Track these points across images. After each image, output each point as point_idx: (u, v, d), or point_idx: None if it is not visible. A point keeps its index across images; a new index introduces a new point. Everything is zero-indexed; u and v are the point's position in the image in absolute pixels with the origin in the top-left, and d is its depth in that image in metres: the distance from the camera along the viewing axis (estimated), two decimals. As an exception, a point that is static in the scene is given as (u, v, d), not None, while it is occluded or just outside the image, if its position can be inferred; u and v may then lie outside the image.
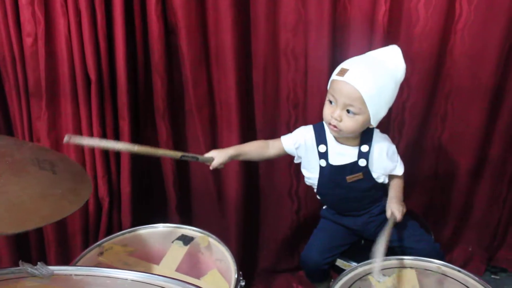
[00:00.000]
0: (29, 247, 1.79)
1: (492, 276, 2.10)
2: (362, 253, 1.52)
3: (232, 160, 1.49)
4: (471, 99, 1.78)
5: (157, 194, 1.93)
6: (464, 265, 2.05)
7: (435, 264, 1.35)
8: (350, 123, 1.36)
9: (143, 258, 1.44)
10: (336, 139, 1.46)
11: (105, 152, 1.69)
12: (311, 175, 1.53)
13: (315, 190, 1.56)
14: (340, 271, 1.48)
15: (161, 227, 1.53)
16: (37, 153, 1.19)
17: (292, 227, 2.01)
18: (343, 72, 1.34)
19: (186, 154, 1.38)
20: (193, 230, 1.50)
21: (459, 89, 1.77)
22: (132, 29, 1.62)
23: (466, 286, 1.28)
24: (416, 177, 1.92)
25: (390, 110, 1.43)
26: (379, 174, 1.48)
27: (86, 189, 1.14)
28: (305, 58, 1.71)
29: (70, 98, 1.60)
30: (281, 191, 1.95)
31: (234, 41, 1.64)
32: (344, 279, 1.29)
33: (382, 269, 1.34)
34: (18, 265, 1.00)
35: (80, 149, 1.67)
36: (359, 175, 1.46)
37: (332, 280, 1.50)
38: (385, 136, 1.50)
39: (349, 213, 1.56)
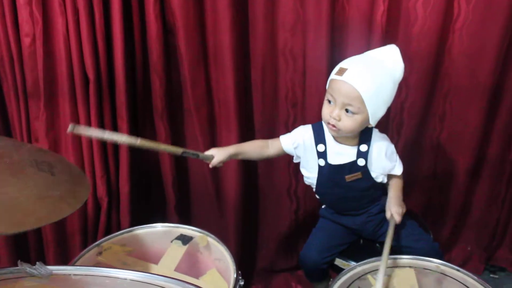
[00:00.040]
0: (27, 247, 1.78)
1: (491, 275, 2.11)
2: (361, 252, 1.53)
3: (231, 159, 1.49)
4: (469, 99, 1.78)
5: (156, 194, 1.93)
6: (463, 264, 2.05)
7: (434, 263, 1.35)
8: (348, 123, 1.36)
9: (142, 258, 1.44)
10: (335, 138, 1.46)
11: (104, 152, 1.69)
12: (310, 175, 1.53)
13: (314, 190, 1.57)
14: (339, 270, 1.48)
15: (160, 227, 1.53)
16: (35, 154, 1.19)
17: (291, 227, 2.01)
18: (341, 72, 1.34)
19: (187, 150, 1.38)
20: (192, 230, 1.50)
21: (458, 89, 1.78)
22: (130, 29, 1.62)
23: (465, 285, 1.28)
24: (415, 176, 1.92)
25: (389, 110, 1.43)
26: (377, 173, 1.48)
27: (84, 191, 1.14)
28: (303, 58, 1.71)
29: (68, 98, 1.60)
30: (280, 191, 1.95)
31: (232, 41, 1.64)
32: (343, 279, 1.30)
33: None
34: (17, 265, 1.00)
35: (79, 149, 1.67)
36: (358, 175, 1.46)
37: (331, 279, 1.50)
38: (384, 135, 1.50)
39: (347, 213, 1.56)
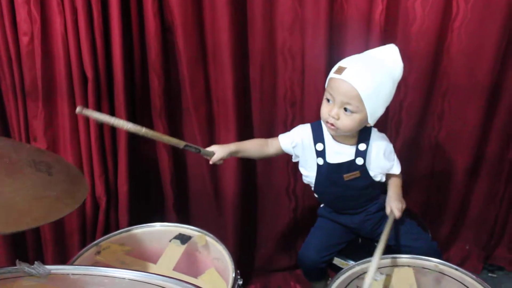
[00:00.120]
0: (26, 247, 1.78)
1: (489, 274, 2.11)
2: (359, 251, 1.53)
3: (231, 157, 1.49)
4: (468, 98, 1.78)
5: (155, 193, 1.92)
6: (461, 263, 2.06)
7: (433, 262, 1.35)
8: (347, 122, 1.36)
9: (140, 257, 1.44)
10: (334, 137, 1.46)
11: (103, 151, 1.69)
12: (308, 174, 1.53)
13: (312, 189, 1.57)
14: (337, 269, 1.48)
15: (158, 226, 1.53)
16: (34, 154, 1.19)
17: (290, 226, 2.01)
18: (340, 70, 1.34)
19: (189, 144, 1.38)
20: (191, 229, 1.50)
21: (456, 88, 1.78)
22: (129, 27, 1.62)
23: (463, 284, 1.28)
24: (413, 175, 1.93)
25: (388, 109, 1.43)
26: (376, 172, 1.48)
27: (82, 192, 1.13)
28: (302, 57, 1.71)
29: (66, 97, 1.59)
30: (279, 190, 1.95)
31: (231, 39, 1.64)
32: (341, 278, 1.30)
33: (380, 268, 1.34)
34: (15, 265, 1.00)
35: (77, 148, 1.66)
36: (356, 174, 1.46)
37: (330, 278, 1.50)
38: (383, 135, 1.50)
39: (346, 211, 1.56)
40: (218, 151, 1.44)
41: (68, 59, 1.55)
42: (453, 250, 2.12)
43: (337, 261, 1.55)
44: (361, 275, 1.32)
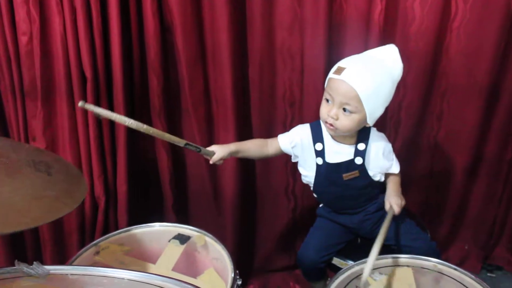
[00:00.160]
0: (24, 247, 1.78)
1: (488, 274, 2.11)
2: (358, 251, 1.53)
3: (231, 157, 1.49)
4: (466, 98, 1.78)
5: (154, 193, 1.92)
6: (460, 263, 2.06)
7: (432, 262, 1.35)
8: (346, 122, 1.36)
9: (139, 257, 1.44)
10: (333, 137, 1.46)
11: (102, 151, 1.69)
12: (308, 173, 1.53)
13: (311, 188, 1.57)
14: (336, 269, 1.48)
15: (157, 226, 1.53)
16: (33, 154, 1.19)
17: (289, 226, 2.01)
18: (340, 71, 1.34)
19: (190, 143, 1.38)
20: (190, 229, 1.50)
21: (455, 88, 1.78)
22: (128, 27, 1.62)
23: (462, 284, 1.28)
24: (412, 175, 1.93)
25: (387, 109, 1.43)
26: (375, 172, 1.48)
27: (81, 192, 1.13)
28: (301, 57, 1.71)
29: (65, 97, 1.59)
30: (278, 190, 1.95)
31: (230, 39, 1.63)
32: (340, 278, 1.30)
33: (379, 268, 1.34)
34: (13, 265, 0.99)
35: (76, 147, 1.66)
36: (355, 173, 1.46)
37: (329, 278, 1.50)
38: (382, 135, 1.50)
39: (345, 211, 1.56)
40: (218, 151, 1.44)
41: (67, 58, 1.55)
42: (452, 250, 2.12)
43: (336, 261, 1.55)
44: (360, 275, 1.31)
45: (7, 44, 1.53)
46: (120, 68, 1.59)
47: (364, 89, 1.32)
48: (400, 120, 1.83)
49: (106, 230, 1.75)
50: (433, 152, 1.92)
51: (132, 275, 1.04)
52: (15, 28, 1.51)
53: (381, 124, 1.70)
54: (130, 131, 1.70)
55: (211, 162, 1.45)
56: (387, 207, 1.46)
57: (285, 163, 1.88)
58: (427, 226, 1.65)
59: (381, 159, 1.47)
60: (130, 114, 1.70)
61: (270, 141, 1.54)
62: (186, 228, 1.50)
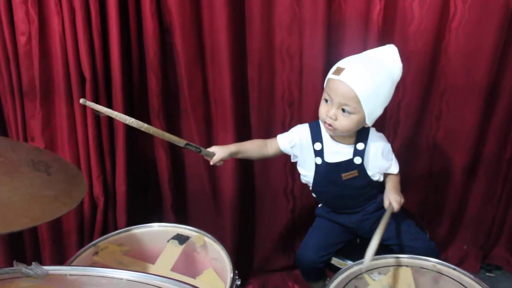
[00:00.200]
0: (23, 247, 1.78)
1: (487, 274, 2.11)
2: (357, 251, 1.52)
3: (230, 158, 1.49)
4: (465, 98, 1.79)
5: (153, 193, 1.92)
6: (459, 263, 2.06)
7: (431, 262, 1.35)
8: (345, 122, 1.36)
9: (138, 258, 1.44)
10: (332, 137, 1.46)
11: (100, 151, 1.69)
12: (306, 173, 1.53)
13: (310, 188, 1.57)
14: (335, 269, 1.48)
15: (156, 227, 1.53)
16: (33, 154, 1.19)
17: (288, 226, 2.01)
18: (339, 71, 1.34)
19: (190, 143, 1.37)
20: (189, 229, 1.50)
21: (454, 88, 1.78)
22: (127, 27, 1.61)
23: (461, 284, 1.28)
24: (411, 175, 1.93)
25: (385, 109, 1.43)
26: (374, 172, 1.48)
27: (80, 191, 1.13)
28: (300, 57, 1.71)
29: (64, 97, 1.59)
30: (277, 190, 1.95)
31: (229, 40, 1.63)
32: (339, 278, 1.30)
33: (378, 268, 1.34)
34: (12, 265, 0.99)
35: (75, 148, 1.66)
36: (354, 173, 1.46)
37: (328, 278, 1.50)
38: (381, 135, 1.50)
39: (344, 211, 1.56)
40: (218, 152, 1.44)
41: (66, 59, 1.55)
42: (451, 250, 2.13)
43: (335, 261, 1.55)
44: (359, 275, 1.32)
45: (6, 44, 1.53)
46: (119, 68, 1.59)
47: (363, 90, 1.31)
48: (399, 120, 1.83)
49: (105, 230, 1.75)
50: (432, 152, 1.92)
51: (131, 275, 1.04)
52: (14, 28, 1.51)
53: (380, 124, 1.71)
54: (129, 131, 1.70)
55: (211, 163, 1.45)
56: (386, 204, 1.43)
57: (284, 164, 1.88)
58: (426, 226, 1.65)
59: (380, 159, 1.47)
60: (129, 114, 1.67)
61: (269, 141, 1.54)
62: (185, 228, 1.50)
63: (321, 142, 1.47)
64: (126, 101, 1.67)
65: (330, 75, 1.38)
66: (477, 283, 1.25)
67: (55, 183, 1.09)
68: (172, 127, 1.81)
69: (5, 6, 1.48)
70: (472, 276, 1.28)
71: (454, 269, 1.31)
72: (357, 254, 1.42)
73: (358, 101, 1.32)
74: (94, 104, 1.26)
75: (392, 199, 1.42)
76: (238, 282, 1.28)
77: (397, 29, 1.69)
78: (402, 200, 1.45)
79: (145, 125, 1.27)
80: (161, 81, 1.69)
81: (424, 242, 1.52)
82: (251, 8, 1.66)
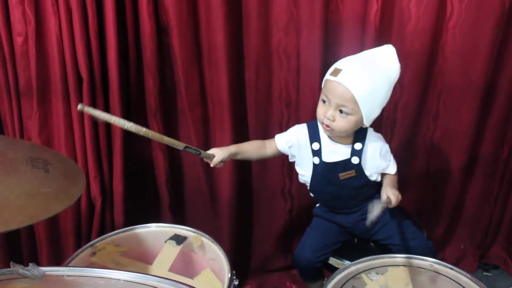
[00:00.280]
0: (20, 248, 1.77)
1: (484, 273, 2.12)
2: (355, 251, 1.53)
3: (231, 158, 1.49)
4: (462, 97, 1.79)
5: (150, 193, 1.92)
6: (456, 262, 2.06)
7: (428, 262, 1.35)
8: (342, 123, 1.36)
9: (136, 258, 1.44)
10: (330, 137, 1.46)
11: (98, 152, 1.68)
12: (304, 173, 1.53)
13: (308, 188, 1.57)
14: (333, 269, 1.48)
15: (154, 227, 1.53)
16: (31, 151, 1.18)
17: (285, 226, 2.01)
18: (336, 72, 1.34)
19: (189, 146, 1.37)
20: (186, 230, 1.50)
21: (451, 87, 1.78)
22: (124, 28, 1.61)
23: (459, 284, 1.29)
24: (409, 175, 1.93)
25: (383, 110, 1.43)
26: (371, 172, 1.48)
27: (78, 188, 1.13)
28: (297, 57, 1.71)
29: (61, 97, 1.59)
30: (274, 190, 1.95)
31: (226, 40, 1.63)
32: (337, 278, 1.30)
33: (375, 267, 1.34)
34: (9, 266, 0.99)
35: (72, 148, 1.66)
36: (351, 173, 1.46)
37: (325, 278, 1.50)
38: (379, 135, 1.50)
39: (341, 211, 1.56)
40: (218, 154, 1.43)
41: (62, 59, 1.54)
42: (449, 249, 2.13)
43: (332, 261, 1.55)
44: (356, 275, 1.32)
45: (3, 45, 1.52)
46: (116, 68, 1.59)
47: (361, 92, 1.31)
48: (396, 120, 1.84)
49: (102, 231, 1.74)
50: (429, 152, 1.92)
51: (128, 276, 1.03)
52: (11, 29, 1.51)
53: (377, 124, 1.71)
54: (126, 132, 1.69)
55: (211, 165, 1.44)
56: (383, 198, 1.37)
57: (282, 164, 1.88)
58: (423, 225, 1.65)
59: (378, 159, 1.47)
60: (126, 114, 1.70)
61: (268, 142, 1.54)
62: (183, 229, 1.50)
63: (319, 142, 1.47)
64: (123, 101, 1.67)
65: (327, 76, 1.38)
66: (475, 282, 1.26)
67: (52, 180, 1.08)
68: (169, 127, 1.80)
69: (2, 6, 1.48)
70: (469, 276, 1.28)
71: (452, 268, 1.32)
72: (355, 254, 1.43)
73: (355, 103, 1.32)
74: (92, 109, 1.25)
75: (390, 193, 1.37)
76: (236, 283, 1.28)
77: (394, 29, 1.69)
78: (400, 198, 1.44)
79: (144, 129, 1.26)
80: (158, 81, 1.69)
81: (421, 241, 1.52)
82: (248, 8, 1.66)
